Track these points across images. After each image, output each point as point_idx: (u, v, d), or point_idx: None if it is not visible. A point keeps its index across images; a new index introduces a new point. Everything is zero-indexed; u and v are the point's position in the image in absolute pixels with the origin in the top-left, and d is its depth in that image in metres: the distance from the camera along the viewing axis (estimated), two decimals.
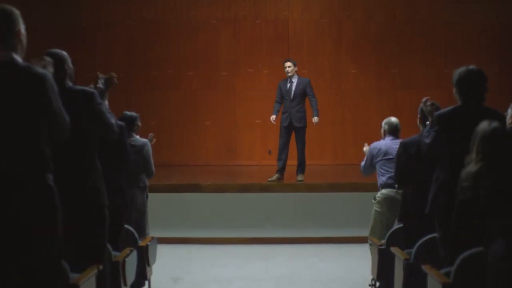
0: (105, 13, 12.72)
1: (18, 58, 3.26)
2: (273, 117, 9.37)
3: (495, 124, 3.49)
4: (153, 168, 6.11)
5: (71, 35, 12.30)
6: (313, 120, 9.24)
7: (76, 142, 3.93)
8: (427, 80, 12.45)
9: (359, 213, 8.15)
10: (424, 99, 4.76)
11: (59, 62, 4.03)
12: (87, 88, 4.16)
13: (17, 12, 3.30)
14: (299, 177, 9.26)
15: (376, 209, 6.20)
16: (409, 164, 5.14)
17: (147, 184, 6.21)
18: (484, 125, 3.50)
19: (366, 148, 6.56)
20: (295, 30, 12.73)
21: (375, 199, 6.21)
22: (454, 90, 4.26)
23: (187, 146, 12.51)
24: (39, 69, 3.30)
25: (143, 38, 12.68)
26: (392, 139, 6.22)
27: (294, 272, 7.05)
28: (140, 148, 5.94)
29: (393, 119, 6.33)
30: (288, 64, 9.31)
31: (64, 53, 4.13)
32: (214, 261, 7.62)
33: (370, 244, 5.80)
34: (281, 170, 9.29)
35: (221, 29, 12.65)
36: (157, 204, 7.76)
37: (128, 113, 5.86)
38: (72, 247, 3.87)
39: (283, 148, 9.30)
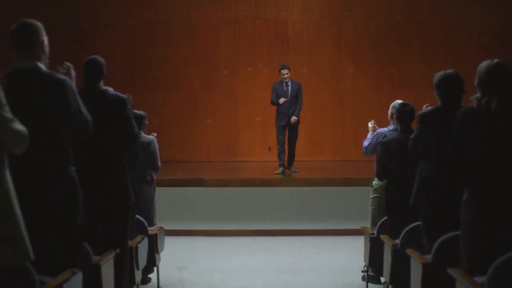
0: (106, 13, 13.21)
1: (42, 66, 3.81)
2: (282, 99, 10.28)
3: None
4: (160, 163, 6.66)
5: (72, 35, 12.79)
6: (292, 119, 10.25)
7: (103, 144, 4.54)
8: (426, 79, 12.85)
9: (356, 207, 8.71)
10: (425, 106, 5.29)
11: (96, 68, 4.64)
12: (119, 94, 4.75)
13: (40, 25, 3.85)
14: (294, 169, 10.38)
15: (374, 196, 6.68)
16: (389, 162, 5.66)
17: (154, 178, 6.75)
18: None
19: (371, 125, 7.07)
20: (295, 30, 13.25)
21: (372, 186, 6.72)
22: (434, 92, 4.79)
23: (188, 144, 13.05)
24: (60, 75, 3.86)
25: (144, 38, 13.20)
26: (396, 129, 6.59)
27: (295, 263, 7.59)
28: (147, 145, 6.46)
29: (398, 102, 6.38)
30: (286, 71, 10.34)
31: (102, 59, 4.73)
32: (217, 252, 8.17)
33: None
34: (284, 164, 10.42)
35: (222, 29, 13.18)
36: (162, 198, 8.28)
37: (136, 111, 6.36)
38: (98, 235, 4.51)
39: (283, 144, 10.41)
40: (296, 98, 10.32)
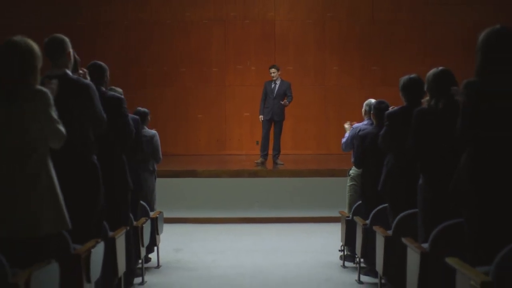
0: (103, 14, 13.98)
1: (69, 72, 4.65)
2: (260, 116, 11.45)
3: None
4: (161, 155, 7.54)
5: (71, 34, 13.40)
6: (284, 102, 11.22)
7: (104, 138, 5.26)
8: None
9: (337, 196, 9.53)
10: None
11: (100, 72, 5.44)
12: (116, 94, 5.53)
13: (66, 39, 4.68)
14: (279, 161, 11.30)
15: (351, 184, 7.55)
16: (364, 153, 6.54)
17: (156, 168, 7.62)
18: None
19: (347, 126, 7.98)
20: (282, 30, 14.11)
21: (349, 174, 7.60)
22: (400, 93, 5.64)
23: (180, 138, 13.86)
24: (85, 80, 4.70)
25: (139, 37, 14.00)
26: (371, 123, 7.18)
27: (280, 245, 8.45)
28: (150, 138, 7.32)
29: (373, 101, 7.23)
30: (273, 70, 11.34)
31: (104, 65, 5.52)
32: (209, 237, 9.02)
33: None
34: (266, 156, 11.41)
35: (213, 29, 14.04)
36: (158, 188, 9.12)
37: (141, 109, 7.23)
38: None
39: (266, 137, 11.42)
40: (282, 96, 11.27)
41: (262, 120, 11.43)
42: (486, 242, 3.59)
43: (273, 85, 11.41)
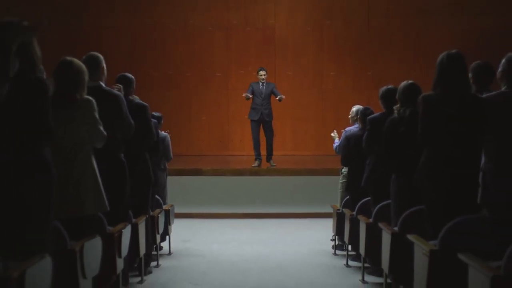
0: (110, 19, 15.02)
1: (103, 84, 5.70)
2: (244, 94, 12.20)
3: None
4: (171, 155, 8.62)
5: (78, 37, 14.41)
6: (280, 97, 12.02)
7: (130, 139, 6.31)
8: (398, 81, 14.61)
9: (333, 193, 10.55)
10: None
11: (128, 83, 6.50)
12: (142, 102, 6.61)
13: (101, 56, 5.70)
14: (272, 163, 12.10)
15: (343, 181, 8.58)
16: (349, 152, 7.61)
17: (167, 166, 8.70)
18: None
19: (333, 134, 9.04)
20: (281, 36, 15.16)
21: (341, 173, 8.65)
22: (380, 101, 6.69)
23: (184, 139, 14.80)
24: (116, 91, 5.76)
25: (145, 42, 15.05)
26: (359, 127, 8.11)
27: (278, 237, 9.51)
28: (162, 140, 8.36)
29: (360, 107, 8.23)
30: (263, 72, 12.20)
31: (132, 76, 6.58)
32: (214, 230, 10.09)
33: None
34: (261, 157, 12.22)
35: (216, 34, 15.11)
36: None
37: (155, 113, 8.30)
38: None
39: (257, 138, 12.22)
40: (269, 97, 12.10)
41: (251, 122, 12.17)
42: (438, 222, 4.65)
43: (260, 86, 12.18)
